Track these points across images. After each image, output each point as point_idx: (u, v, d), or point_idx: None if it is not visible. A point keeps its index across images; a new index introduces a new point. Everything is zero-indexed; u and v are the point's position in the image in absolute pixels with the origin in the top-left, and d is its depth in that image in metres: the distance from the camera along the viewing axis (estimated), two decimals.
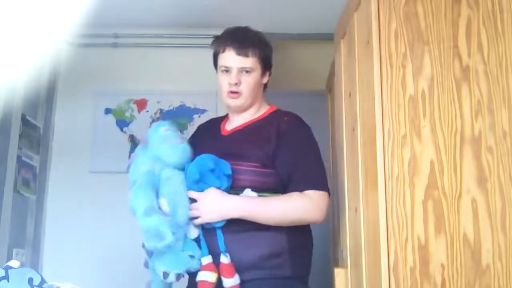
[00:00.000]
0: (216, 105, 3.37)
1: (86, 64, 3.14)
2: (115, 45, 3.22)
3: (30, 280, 1.29)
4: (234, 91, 1.75)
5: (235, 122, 1.83)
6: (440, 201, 1.37)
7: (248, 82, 1.76)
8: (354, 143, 1.70)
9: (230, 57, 1.74)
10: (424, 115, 1.42)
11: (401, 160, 1.40)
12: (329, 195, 1.68)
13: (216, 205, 1.61)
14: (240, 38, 1.77)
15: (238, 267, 1.59)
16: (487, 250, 1.35)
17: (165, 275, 1.53)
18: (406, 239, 1.35)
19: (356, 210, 1.66)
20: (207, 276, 1.57)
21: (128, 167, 1.72)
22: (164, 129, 1.70)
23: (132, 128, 3.09)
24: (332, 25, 2.16)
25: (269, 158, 1.67)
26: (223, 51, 1.76)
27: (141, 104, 3.16)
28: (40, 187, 2.98)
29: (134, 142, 3.01)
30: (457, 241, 1.35)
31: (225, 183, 1.63)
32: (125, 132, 3.09)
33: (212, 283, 1.56)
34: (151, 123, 1.72)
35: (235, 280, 1.58)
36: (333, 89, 2.41)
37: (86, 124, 3.13)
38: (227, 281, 1.57)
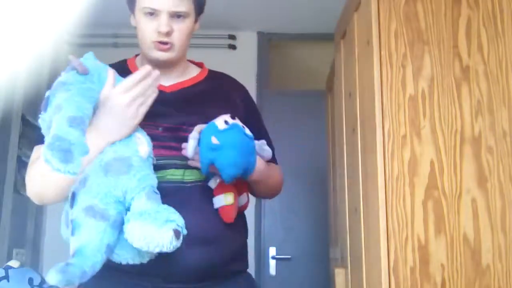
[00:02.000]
0: None
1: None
2: (115, 45, 3.22)
3: (30, 280, 1.29)
4: (165, 41, 1.35)
5: (168, 80, 1.42)
6: (440, 201, 1.37)
7: (181, 31, 1.36)
8: (354, 143, 1.70)
9: None
10: (424, 115, 1.42)
11: (401, 160, 1.40)
12: None
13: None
14: None
15: (223, 260, 1.34)
16: (487, 250, 1.35)
17: (177, 234, 1.09)
18: (406, 239, 1.36)
19: (356, 210, 1.66)
20: (222, 200, 1.32)
21: (46, 103, 1.21)
22: (109, 70, 1.30)
23: None
24: (332, 25, 2.16)
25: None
26: None
27: None
28: None
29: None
30: (457, 241, 1.35)
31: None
32: None
33: (232, 204, 1.32)
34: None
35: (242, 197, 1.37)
36: (333, 89, 2.41)
37: None
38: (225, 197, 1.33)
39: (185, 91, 1.43)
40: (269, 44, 3.73)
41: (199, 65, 1.55)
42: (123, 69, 1.43)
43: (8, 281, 1.27)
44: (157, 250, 1.08)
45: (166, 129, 1.34)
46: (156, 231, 1.07)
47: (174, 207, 1.17)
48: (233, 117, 1.29)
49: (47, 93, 1.21)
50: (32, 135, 2.86)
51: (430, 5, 1.48)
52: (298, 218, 3.50)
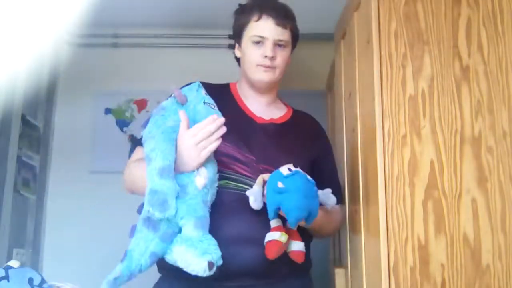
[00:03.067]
0: None
1: (86, 64, 3.14)
2: (115, 45, 3.22)
3: (30, 280, 1.29)
4: (269, 66, 1.54)
5: (260, 108, 1.60)
6: (440, 201, 1.37)
7: (283, 57, 1.57)
8: (354, 143, 1.70)
9: (267, 27, 1.53)
10: (424, 115, 1.42)
11: (401, 160, 1.40)
12: None
13: None
14: (278, 7, 1.57)
15: (278, 259, 1.41)
16: (487, 250, 1.35)
17: (211, 265, 1.27)
18: (406, 239, 1.35)
19: (356, 210, 1.66)
20: (276, 236, 1.40)
21: (147, 121, 1.43)
22: (204, 92, 1.46)
23: (132, 128, 3.09)
24: (332, 25, 2.16)
25: (309, 164, 1.55)
26: (258, 19, 1.54)
27: (141, 104, 3.16)
28: (40, 187, 2.98)
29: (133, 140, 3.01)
30: (457, 241, 1.35)
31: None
32: (125, 132, 3.10)
33: (282, 243, 1.40)
34: None
35: (302, 245, 1.46)
36: (333, 89, 2.41)
37: (86, 124, 3.13)
38: (296, 244, 1.44)
39: (272, 126, 1.60)
40: None
41: (285, 104, 1.74)
42: (226, 91, 1.65)
43: (8, 281, 1.27)
44: (192, 272, 1.29)
45: (248, 158, 1.50)
46: (194, 259, 1.28)
47: (241, 212, 1.41)
48: (295, 166, 1.42)
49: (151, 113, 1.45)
50: (32, 135, 2.86)
51: (430, 5, 1.48)
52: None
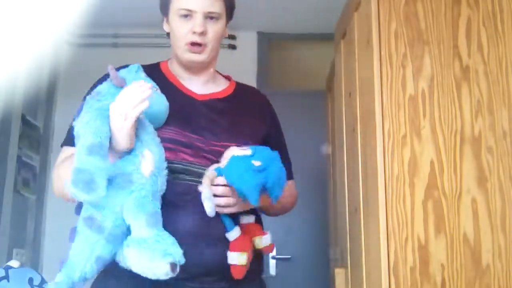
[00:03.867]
0: None
1: (86, 64, 3.14)
2: (115, 45, 3.22)
3: (30, 280, 1.29)
4: (198, 42, 1.36)
5: (197, 86, 1.44)
6: (440, 201, 1.37)
7: (215, 32, 1.38)
8: (354, 143, 1.70)
9: None
10: (424, 115, 1.42)
11: (401, 160, 1.40)
12: None
13: None
14: None
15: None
16: (487, 250, 1.35)
17: (174, 267, 1.11)
18: (406, 239, 1.35)
19: (356, 210, 1.66)
20: (242, 260, 1.28)
21: (80, 109, 1.24)
22: (144, 75, 1.32)
23: None
24: (332, 25, 2.16)
25: (257, 140, 1.41)
26: None
27: None
28: (40, 187, 2.98)
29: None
30: (457, 241, 1.35)
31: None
32: None
33: (244, 266, 1.28)
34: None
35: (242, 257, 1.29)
36: (333, 89, 2.41)
37: None
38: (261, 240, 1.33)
39: (215, 102, 1.42)
40: (269, 44, 3.73)
41: (227, 77, 1.55)
42: (156, 72, 1.45)
43: (8, 281, 1.27)
44: (151, 277, 1.11)
45: (194, 139, 1.34)
46: (153, 262, 1.10)
47: (195, 206, 1.24)
48: (248, 141, 1.33)
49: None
50: (32, 135, 2.86)
51: (430, 5, 1.48)
52: (298, 218, 3.50)
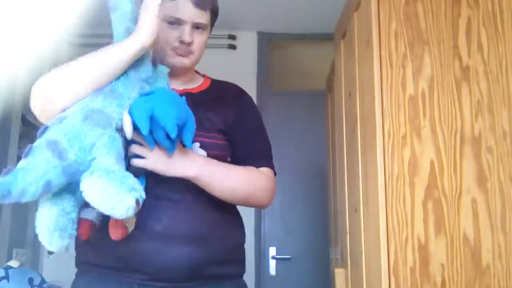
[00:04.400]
0: None
1: None
2: None
3: (30, 280, 1.29)
4: (185, 51, 1.41)
5: (175, 85, 1.44)
6: (440, 201, 1.37)
7: (200, 41, 1.42)
8: (354, 143, 1.70)
9: (186, 8, 1.37)
10: (424, 115, 1.42)
11: (401, 160, 1.40)
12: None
13: (172, 156, 1.23)
14: None
15: (213, 259, 1.32)
16: (487, 250, 1.35)
17: (138, 204, 1.05)
18: (406, 239, 1.36)
19: (356, 210, 1.66)
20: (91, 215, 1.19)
21: None
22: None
23: None
24: (332, 25, 2.16)
25: (227, 129, 1.42)
26: None
27: None
28: None
29: None
30: (457, 241, 1.35)
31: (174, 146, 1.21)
32: None
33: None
34: None
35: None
36: (333, 89, 2.41)
37: None
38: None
39: (188, 97, 1.36)
40: (269, 44, 3.73)
41: (203, 76, 1.58)
42: None
43: (8, 281, 1.27)
44: (109, 212, 1.04)
45: None
46: (118, 195, 1.02)
47: (167, 201, 1.24)
48: (211, 130, 1.36)
49: None
50: (32, 135, 2.86)
51: (430, 5, 1.48)
52: (298, 218, 3.50)
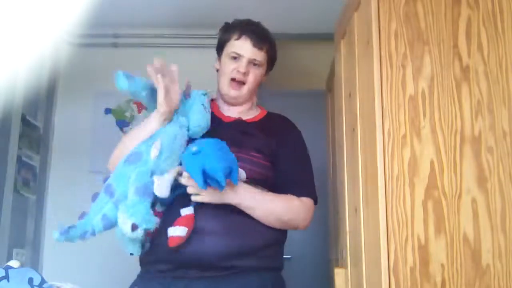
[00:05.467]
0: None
1: (86, 64, 3.14)
2: (115, 45, 3.22)
3: (30, 280, 1.29)
4: (240, 79, 1.71)
5: (230, 113, 1.76)
6: (440, 201, 1.37)
7: (255, 74, 1.73)
8: (354, 143, 1.70)
9: (245, 46, 1.71)
10: (424, 115, 1.42)
11: (401, 160, 1.40)
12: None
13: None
14: (258, 30, 1.75)
15: (236, 252, 1.52)
16: (487, 250, 1.35)
17: (134, 227, 1.36)
18: (406, 239, 1.35)
19: (356, 210, 1.66)
20: (172, 231, 1.48)
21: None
22: (208, 100, 1.65)
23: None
24: (332, 25, 2.16)
25: (270, 152, 1.65)
26: (238, 38, 1.72)
27: (141, 104, 3.15)
28: (40, 187, 2.99)
29: None
30: (457, 241, 1.35)
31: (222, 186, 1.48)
32: (125, 132, 3.09)
33: (179, 237, 1.48)
34: None
35: (182, 230, 1.49)
36: (333, 89, 2.41)
37: (86, 124, 3.13)
38: (174, 229, 1.49)
39: (239, 122, 1.74)
40: None
41: (261, 109, 1.84)
42: (210, 105, 1.73)
43: (8, 281, 1.27)
44: (123, 231, 1.39)
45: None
46: (122, 219, 1.38)
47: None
48: (256, 151, 1.63)
49: None
50: (32, 135, 2.86)
51: (430, 5, 1.48)
52: None
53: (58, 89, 3.20)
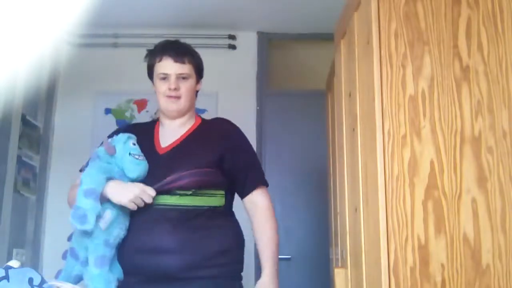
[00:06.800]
0: (216, 105, 3.37)
1: (86, 64, 3.15)
2: (115, 45, 3.22)
3: (30, 280, 1.29)
4: (174, 95, 1.82)
5: (169, 134, 1.87)
6: (440, 201, 1.37)
7: (186, 87, 1.84)
8: (354, 143, 1.70)
9: (168, 65, 1.82)
10: (424, 115, 1.42)
11: (401, 160, 1.40)
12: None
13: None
14: (175, 47, 1.87)
15: (189, 265, 1.67)
16: (487, 250, 1.35)
17: None
18: (406, 239, 1.36)
19: (356, 210, 1.66)
20: None
21: (87, 164, 1.79)
22: (132, 142, 1.75)
23: None
24: (332, 25, 2.16)
25: (213, 160, 1.78)
26: (160, 60, 1.84)
27: (141, 104, 3.16)
28: (40, 187, 2.98)
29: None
30: (457, 241, 1.35)
31: None
32: None
33: None
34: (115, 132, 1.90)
35: None
36: (333, 89, 2.41)
37: (86, 124, 3.13)
38: None
39: (174, 149, 1.82)
40: (269, 44, 3.72)
41: (198, 117, 1.95)
42: (151, 128, 1.92)
43: (8, 281, 1.27)
44: None
45: (157, 187, 1.73)
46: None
47: (152, 224, 1.70)
48: (196, 167, 1.76)
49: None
50: (32, 135, 2.86)
51: (430, 5, 1.48)
52: (298, 218, 3.50)
53: (58, 89, 3.20)
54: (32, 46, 2.75)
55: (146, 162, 1.75)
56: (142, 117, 3.08)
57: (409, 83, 1.44)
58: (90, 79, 3.16)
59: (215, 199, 1.78)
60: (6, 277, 1.26)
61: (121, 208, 1.68)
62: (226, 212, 1.84)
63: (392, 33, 1.47)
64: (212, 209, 1.77)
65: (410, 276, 1.34)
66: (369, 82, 1.51)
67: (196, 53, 1.92)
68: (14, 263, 1.31)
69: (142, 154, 1.75)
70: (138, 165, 1.72)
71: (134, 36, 3.19)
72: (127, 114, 3.15)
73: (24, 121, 2.77)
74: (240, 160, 1.85)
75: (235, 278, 1.81)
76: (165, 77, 1.82)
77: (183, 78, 1.83)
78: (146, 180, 1.73)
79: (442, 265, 1.34)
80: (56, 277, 1.64)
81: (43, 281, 1.30)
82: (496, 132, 1.40)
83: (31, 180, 2.87)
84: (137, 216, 1.71)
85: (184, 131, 1.88)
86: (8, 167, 2.60)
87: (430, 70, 1.44)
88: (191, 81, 1.86)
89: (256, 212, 1.84)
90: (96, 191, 1.63)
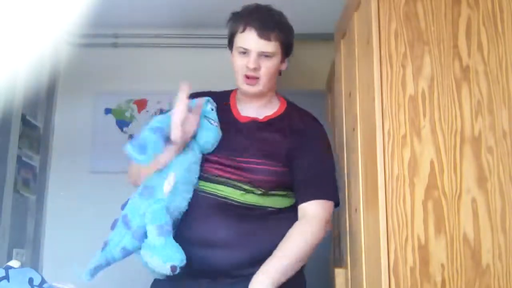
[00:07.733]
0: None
1: (86, 64, 3.14)
2: (115, 45, 3.22)
3: (30, 280, 1.29)
4: (252, 75, 1.61)
5: (248, 110, 1.70)
6: (440, 201, 1.37)
7: (267, 68, 1.62)
8: (354, 143, 1.70)
9: (251, 39, 1.59)
10: (424, 115, 1.42)
11: (401, 160, 1.40)
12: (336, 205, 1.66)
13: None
14: (263, 18, 1.61)
15: (248, 262, 1.52)
16: (487, 250, 1.35)
17: (174, 268, 1.42)
18: (406, 239, 1.36)
19: (356, 210, 1.66)
20: None
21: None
22: (211, 107, 1.62)
23: (132, 128, 3.09)
24: (332, 25, 2.16)
25: (288, 157, 1.61)
26: (243, 31, 1.61)
27: (141, 104, 3.16)
28: (40, 187, 2.98)
29: None
30: (457, 241, 1.35)
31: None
32: (125, 132, 3.10)
33: None
34: None
35: None
36: (333, 89, 2.41)
37: (86, 124, 3.13)
38: None
39: (253, 123, 1.67)
40: None
41: (283, 100, 1.78)
42: (226, 99, 1.74)
43: (8, 281, 1.27)
44: (161, 273, 1.46)
45: (226, 157, 1.60)
46: (159, 264, 1.43)
47: (208, 215, 1.55)
48: (267, 156, 1.61)
49: None
50: (32, 135, 2.86)
51: (430, 5, 1.48)
52: None
53: (58, 89, 3.20)
54: (32, 46, 2.75)
55: (219, 131, 1.60)
56: (142, 117, 3.08)
57: (409, 83, 1.44)
58: (90, 79, 3.15)
59: (283, 201, 1.63)
60: (6, 277, 1.26)
61: (186, 175, 1.53)
62: (289, 213, 1.62)
63: (392, 33, 1.47)
64: (277, 210, 1.61)
65: (410, 276, 1.34)
66: (369, 82, 1.51)
67: (287, 26, 1.68)
68: (14, 263, 1.31)
69: (218, 122, 1.61)
70: (209, 131, 1.58)
71: (134, 36, 3.19)
72: (127, 114, 3.15)
73: (24, 121, 2.77)
74: (305, 163, 1.63)
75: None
76: (245, 52, 1.60)
77: (266, 56, 1.61)
78: (222, 147, 1.59)
79: (442, 265, 1.34)
80: (103, 248, 1.49)
81: (43, 281, 1.30)
82: (496, 132, 1.40)
83: (31, 180, 2.87)
84: (193, 207, 1.55)
85: (269, 112, 1.71)
86: (8, 167, 2.60)
87: (430, 70, 1.44)
88: (275, 60, 1.64)
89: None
90: (164, 130, 1.46)
